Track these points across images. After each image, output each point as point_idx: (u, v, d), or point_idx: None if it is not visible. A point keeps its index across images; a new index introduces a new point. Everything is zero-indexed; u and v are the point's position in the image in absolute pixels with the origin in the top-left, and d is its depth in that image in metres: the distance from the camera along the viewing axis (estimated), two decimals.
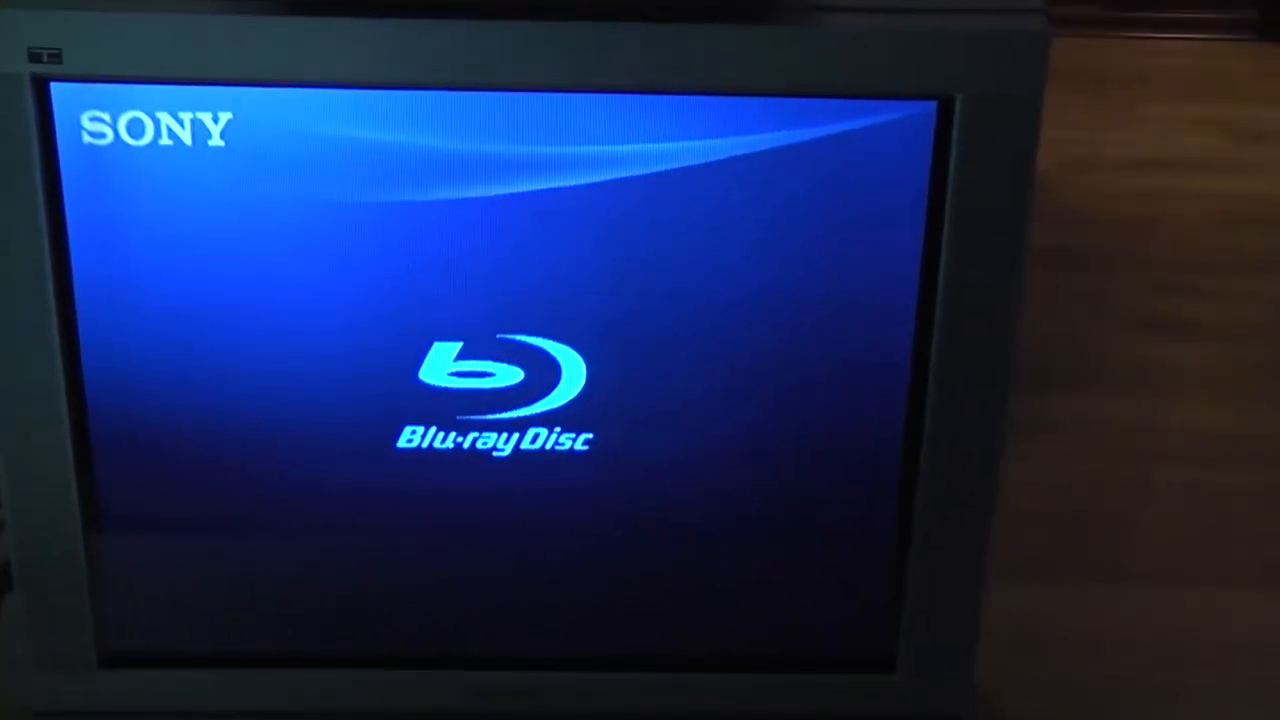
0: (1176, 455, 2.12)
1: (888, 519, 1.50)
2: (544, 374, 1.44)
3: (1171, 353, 2.31)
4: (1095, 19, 3.16)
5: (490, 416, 1.46)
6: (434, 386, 1.45)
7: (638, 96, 1.36)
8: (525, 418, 1.46)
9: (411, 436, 1.46)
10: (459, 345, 1.43)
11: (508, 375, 1.45)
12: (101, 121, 1.36)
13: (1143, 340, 2.32)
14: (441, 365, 1.44)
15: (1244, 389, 2.27)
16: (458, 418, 1.46)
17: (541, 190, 1.38)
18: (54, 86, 1.35)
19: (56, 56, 1.33)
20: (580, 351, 1.44)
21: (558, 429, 1.47)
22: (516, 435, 1.47)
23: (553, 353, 1.44)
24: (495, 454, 1.47)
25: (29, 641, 1.52)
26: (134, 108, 1.36)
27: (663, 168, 1.38)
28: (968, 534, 1.49)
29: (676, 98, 1.36)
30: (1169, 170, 2.70)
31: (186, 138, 1.37)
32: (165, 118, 1.36)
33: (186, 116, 1.36)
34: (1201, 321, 2.38)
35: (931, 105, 1.36)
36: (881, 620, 1.53)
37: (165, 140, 1.37)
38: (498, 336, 1.43)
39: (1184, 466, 2.10)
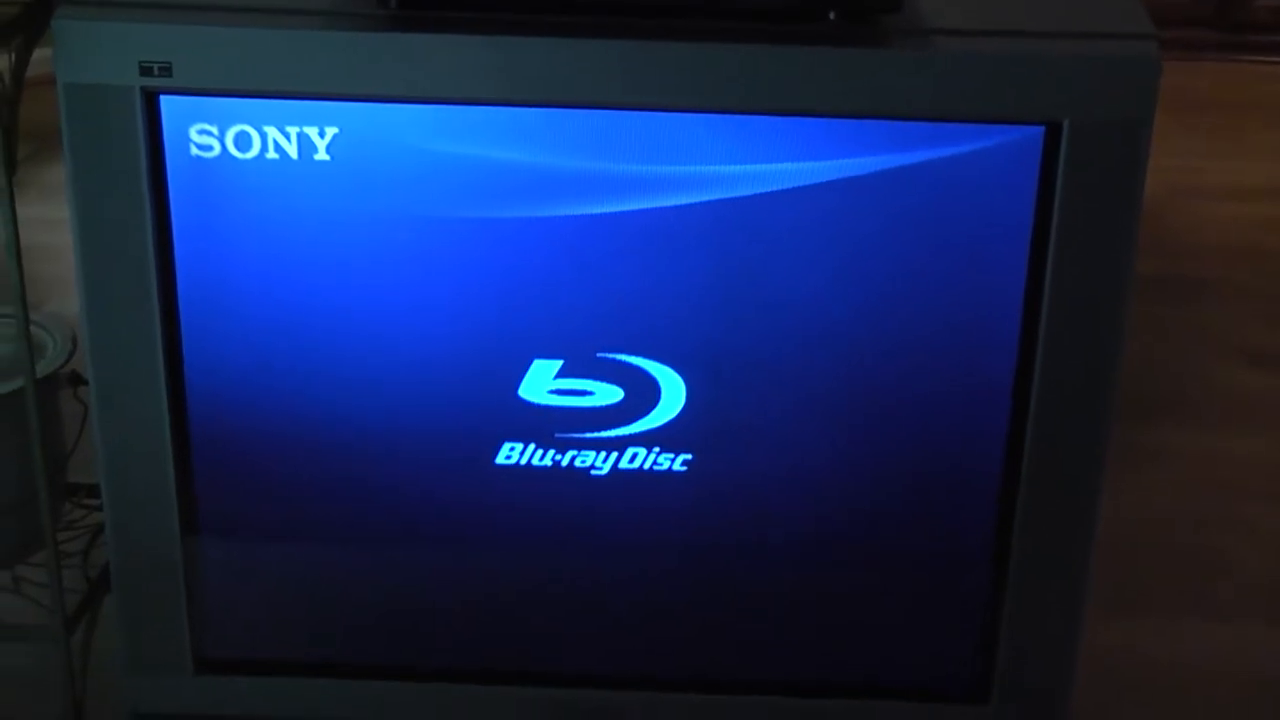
0: (1276, 490, 2.09)
1: (986, 546, 1.48)
2: (644, 394, 1.44)
3: (1275, 385, 2.27)
4: (1211, 42, 3.12)
5: (589, 435, 1.46)
6: (534, 404, 1.45)
7: (744, 117, 1.36)
8: (624, 437, 1.46)
9: (510, 453, 1.47)
10: (559, 363, 1.43)
11: (608, 394, 1.44)
12: (209, 134, 1.38)
13: (1247, 372, 2.28)
14: (542, 383, 1.44)
15: None
16: (557, 435, 1.46)
17: (644, 210, 1.38)
18: (164, 99, 1.36)
19: (167, 70, 1.34)
20: (680, 372, 1.43)
21: (657, 449, 1.46)
22: (615, 454, 1.46)
23: (653, 373, 1.43)
24: (594, 472, 1.47)
25: (125, 644, 1.53)
26: (242, 121, 1.37)
27: (767, 189, 1.37)
28: (1067, 564, 1.48)
29: (783, 119, 1.35)
30: (1278, 199, 2.66)
31: (293, 151, 1.38)
32: (272, 131, 1.37)
33: (293, 130, 1.37)
34: None
35: (1039, 130, 1.35)
36: (977, 650, 1.52)
37: (272, 154, 1.38)
38: (598, 355, 1.43)
39: None
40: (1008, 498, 1.46)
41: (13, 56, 1.44)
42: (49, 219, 1.75)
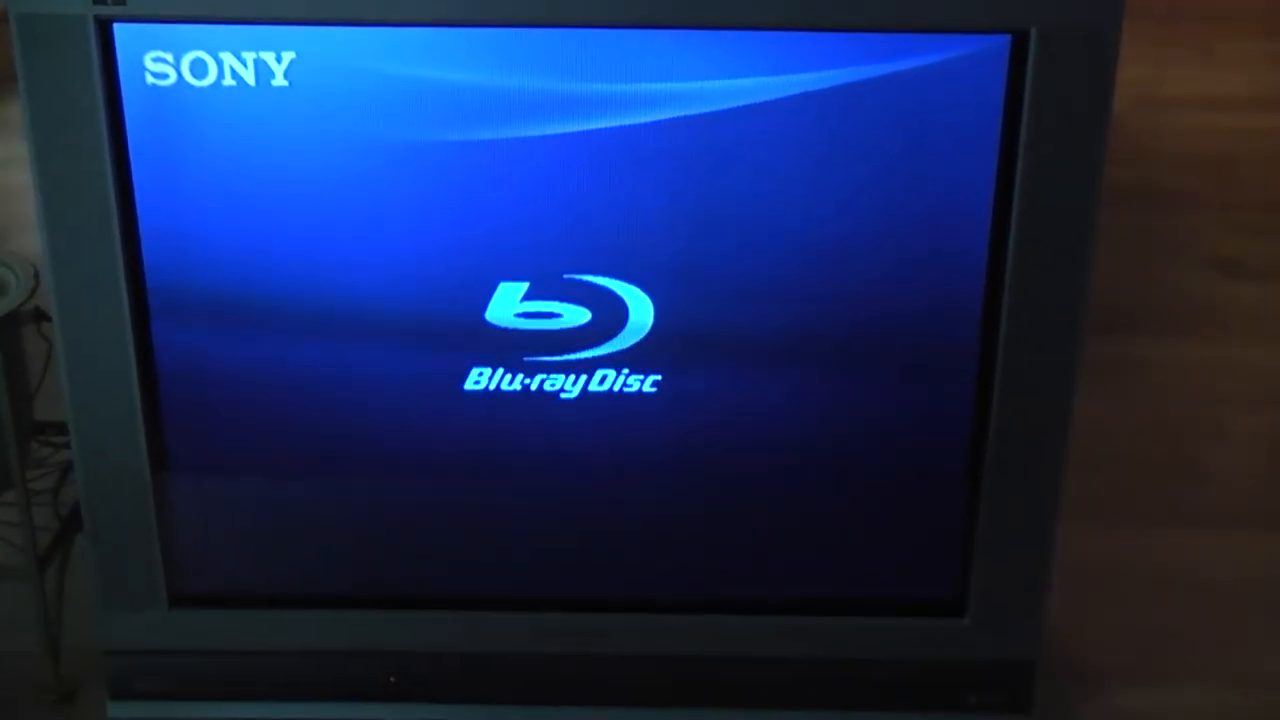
0: (1248, 397, 2.09)
1: (959, 461, 1.48)
2: (611, 315, 1.43)
3: (1245, 293, 2.27)
4: None
5: (558, 358, 1.45)
6: (501, 327, 1.44)
7: (707, 32, 1.34)
8: (593, 359, 1.45)
9: (479, 378, 1.46)
10: (525, 286, 1.42)
11: (575, 316, 1.43)
12: (165, 62, 1.36)
13: (1215, 281, 2.28)
14: (508, 306, 1.43)
15: None
16: (525, 359, 1.45)
17: (608, 128, 1.37)
18: (117, 27, 1.34)
19: None
20: (648, 291, 1.42)
21: (626, 370, 1.45)
22: (584, 377, 1.46)
23: (620, 293, 1.42)
24: (563, 395, 1.46)
25: (99, 581, 1.52)
26: (197, 48, 1.35)
27: (731, 105, 1.36)
28: (1040, 476, 1.47)
29: (745, 33, 1.34)
30: (1246, 108, 2.66)
31: (250, 78, 1.36)
32: (228, 58, 1.36)
33: (250, 56, 1.35)
34: (1276, 261, 2.34)
35: (1005, 39, 1.34)
36: (952, 563, 1.52)
37: (229, 81, 1.36)
38: (564, 277, 1.42)
39: (1256, 409, 2.06)
40: (981, 411, 1.45)
41: None
42: (5, 157, 1.73)
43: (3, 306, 1.57)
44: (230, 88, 1.36)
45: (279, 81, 1.36)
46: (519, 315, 1.43)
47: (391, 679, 1.56)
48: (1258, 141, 2.59)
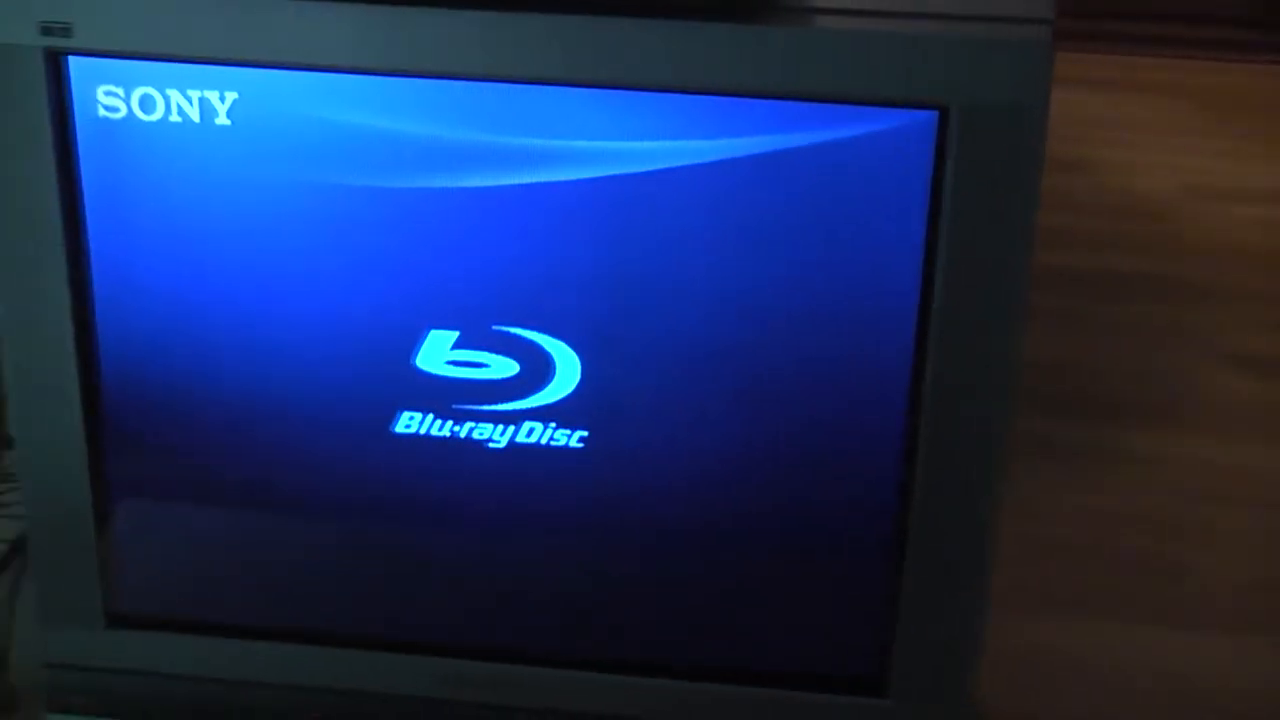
0: (1241, 497, 2.04)
1: (884, 534, 1.46)
2: (538, 368, 1.44)
3: (1257, 391, 2.22)
4: (1257, 43, 3.06)
5: (485, 407, 1.46)
6: (430, 374, 1.45)
7: (636, 93, 1.35)
8: (520, 411, 1.46)
9: (409, 422, 1.47)
10: (455, 334, 1.44)
11: (503, 367, 1.45)
12: (116, 96, 1.40)
13: (1227, 377, 2.23)
14: (438, 353, 1.45)
15: None
16: (454, 406, 1.47)
17: (539, 184, 1.38)
18: (72, 60, 1.39)
19: (66, 30, 1.37)
20: (575, 348, 1.43)
21: (552, 424, 1.46)
22: (512, 428, 1.47)
23: (547, 348, 1.44)
24: (490, 445, 1.47)
25: (37, 595, 1.56)
26: (146, 84, 1.39)
27: (659, 166, 1.37)
28: (966, 554, 1.46)
29: (674, 95, 1.35)
30: None
31: (195, 115, 1.40)
32: (175, 95, 1.39)
33: (195, 94, 1.39)
34: None
35: (931, 115, 1.33)
36: (875, 641, 1.50)
37: (175, 117, 1.40)
38: (493, 328, 1.44)
39: (1247, 510, 2.02)
40: (907, 484, 1.44)
41: None
42: None
43: None
44: (176, 124, 1.40)
45: (222, 120, 1.39)
46: (448, 363, 1.45)
47: (315, 716, 1.57)
48: None
